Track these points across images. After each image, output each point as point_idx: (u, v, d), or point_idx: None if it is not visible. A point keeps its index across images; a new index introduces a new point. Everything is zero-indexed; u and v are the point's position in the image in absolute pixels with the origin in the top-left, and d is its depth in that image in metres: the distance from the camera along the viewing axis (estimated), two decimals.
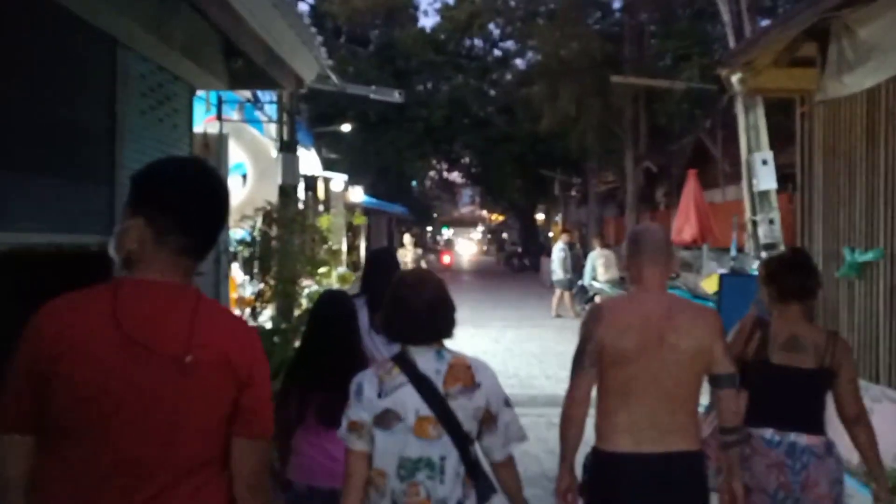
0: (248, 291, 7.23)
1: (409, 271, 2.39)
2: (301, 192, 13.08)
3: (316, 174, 12.28)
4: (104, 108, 4.24)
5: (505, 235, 46.19)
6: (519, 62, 28.99)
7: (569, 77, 19.13)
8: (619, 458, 2.37)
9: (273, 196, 6.24)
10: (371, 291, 3.40)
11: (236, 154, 6.62)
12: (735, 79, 5.47)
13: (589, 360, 2.44)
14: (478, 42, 29.28)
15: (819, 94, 4.71)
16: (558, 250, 14.17)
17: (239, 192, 6.58)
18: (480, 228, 60.81)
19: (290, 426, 2.71)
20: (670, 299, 2.52)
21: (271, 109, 6.55)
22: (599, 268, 11.46)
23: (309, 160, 11.29)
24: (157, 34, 4.38)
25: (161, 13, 4.35)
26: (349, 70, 22.00)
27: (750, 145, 11.08)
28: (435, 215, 49.85)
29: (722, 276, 6.56)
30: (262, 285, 6.11)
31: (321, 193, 13.49)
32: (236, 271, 7.15)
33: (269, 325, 6.00)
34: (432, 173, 38.97)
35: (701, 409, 2.62)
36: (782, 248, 10.45)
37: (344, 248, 19.47)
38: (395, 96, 7.33)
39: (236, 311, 6.18)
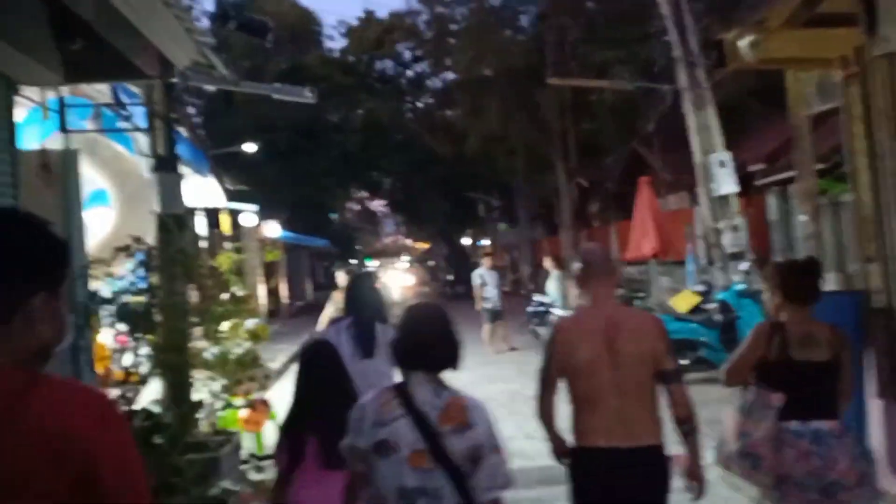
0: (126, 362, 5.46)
1: (420, 304, 2.66)
2: (204, 229, 11.29)
3: (219, 206, 10.50)
4: None
5: (431, 263, 44.79)
6: (434, 82, 28.04)
7: (491, 92, 18.15)
8: (594, 451, 2.65)
9: (147, 231, 4.56)
10: (355, 315, 3.78)
11: (93, 178, 4.90)
12: (744, 43, 4.29)
13: (551, 375, 2.76)
14: (389, 64, 28.14)
15: (878, 48, 3.57)
16: (476, 276, 12.04)
17: (101, 229, 4.81)
18: (406, 258, 59.30)
19: (286, 477, 2.79)
20: (616, 310, 2.82)
21: (144, 116, 4.86)
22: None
23: (208, 189, 9.53)
24: None
25: None
26: (245, 65, 20.09)
27: (704, 146, 10.23)
28: (358, 247, 48.06)
29: (737, 295, 5.63)
30: (138, 355, 4.41)
31: (227, 228, 11.66)
32: (107, 336, 5.36)
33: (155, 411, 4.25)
34: (353, 204, 37.33)
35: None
36: (749, 255, 9.57)
37: (262, 292, 17.57)
38: (306, 95, 5.80)
39: (103, 391, 4.41)
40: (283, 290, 22.69)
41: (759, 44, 4.28)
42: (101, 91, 4.97)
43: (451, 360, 2.26)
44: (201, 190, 9.45)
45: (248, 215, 17.75)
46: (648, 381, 2.65)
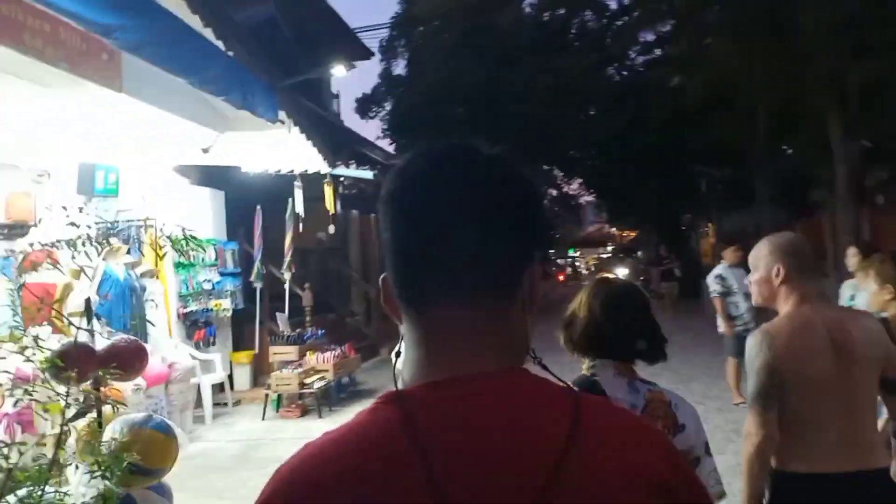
0: None
1: (613, 281, 2.19)
2: (300, 203, 8.36)
3: (311, 170, 7.38)
4: None
5: (639, 254, 39.26)
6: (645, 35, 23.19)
7: (723, 21, 13.30)
8: (820, 480, 2.21)
9: None
10: None
11: None
12: None
13: (773, 392, 2.25)
14: (590, 15, 23.81)
15: None
16: (713, 279, 7.57)
17: None
18: (610, 247, 53.94)
19: None
20: (834, 310, 2.47)
21: None
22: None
23: (288, 145, 6.42)
24: None
25: None
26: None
27: None
28: (557, 235, 44.07)
29: None
30: None
31: (331, 204, 8.54)
32: None
33: None
34: (551, 190, 33.48)
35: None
36: None
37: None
38: None
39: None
40: None
41: None
42: None
43: (651, 350, 1.92)
44: (278, 146, 6.41)
45: None
46: (875, 389, 2.27)
